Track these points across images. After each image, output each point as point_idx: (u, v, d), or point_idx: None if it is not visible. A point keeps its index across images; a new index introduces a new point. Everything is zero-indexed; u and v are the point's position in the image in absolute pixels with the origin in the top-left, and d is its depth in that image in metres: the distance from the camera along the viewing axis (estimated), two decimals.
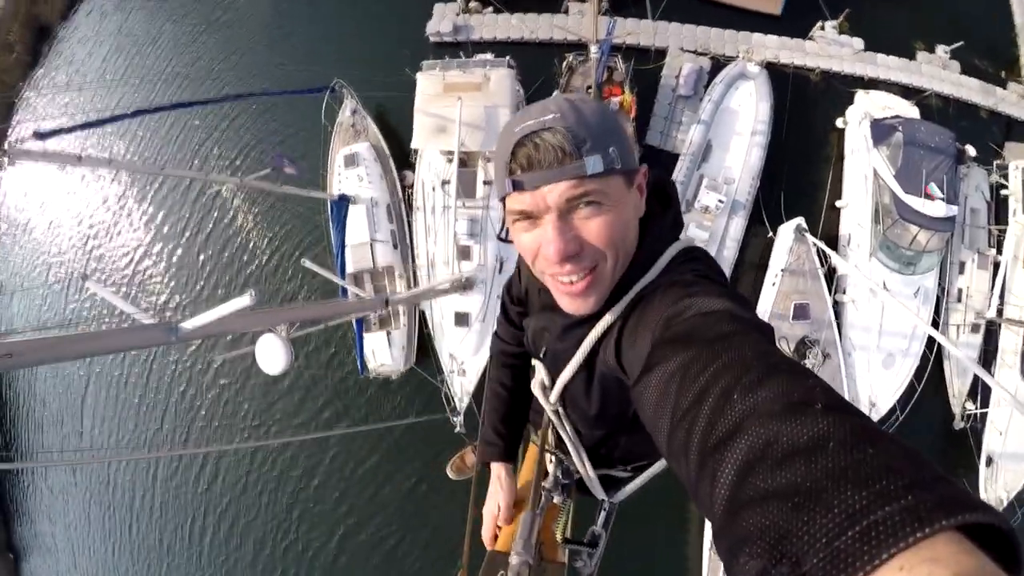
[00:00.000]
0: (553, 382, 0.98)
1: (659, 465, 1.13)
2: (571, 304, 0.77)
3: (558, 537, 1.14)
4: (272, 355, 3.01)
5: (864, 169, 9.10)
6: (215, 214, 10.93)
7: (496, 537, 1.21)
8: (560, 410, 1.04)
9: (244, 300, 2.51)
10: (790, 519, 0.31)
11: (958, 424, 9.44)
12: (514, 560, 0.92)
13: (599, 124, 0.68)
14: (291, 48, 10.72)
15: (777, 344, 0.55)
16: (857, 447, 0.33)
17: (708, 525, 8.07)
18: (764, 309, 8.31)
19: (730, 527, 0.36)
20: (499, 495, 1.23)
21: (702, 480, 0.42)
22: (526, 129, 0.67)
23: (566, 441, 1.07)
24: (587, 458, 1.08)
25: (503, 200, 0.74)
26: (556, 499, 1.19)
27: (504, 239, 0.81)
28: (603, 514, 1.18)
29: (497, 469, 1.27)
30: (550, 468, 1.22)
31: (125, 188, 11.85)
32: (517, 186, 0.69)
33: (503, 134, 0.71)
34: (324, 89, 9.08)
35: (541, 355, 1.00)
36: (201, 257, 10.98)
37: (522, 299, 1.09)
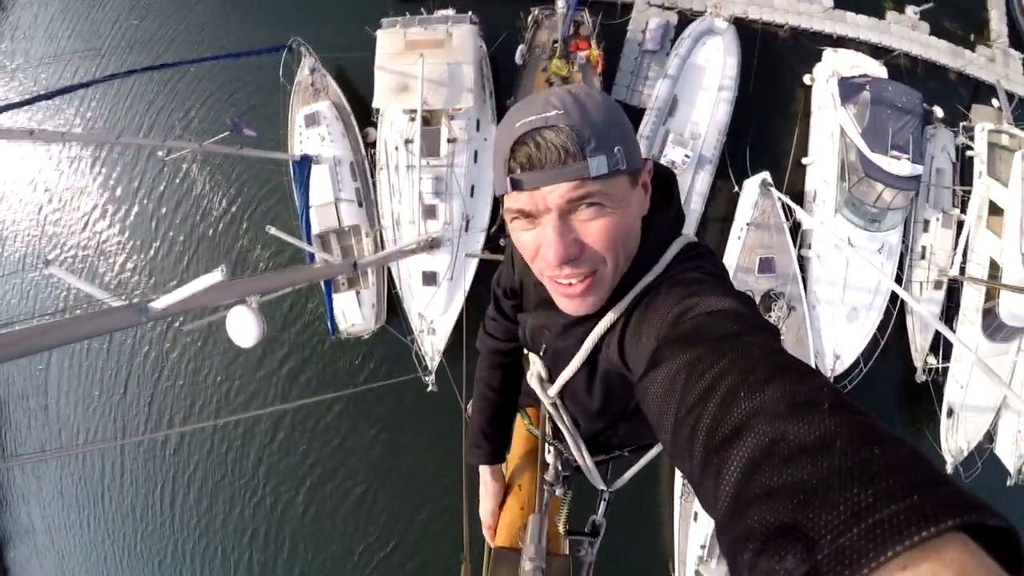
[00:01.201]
0: (551, 375, 0.97)
1: (657, 448, 1.12)
2: (569, 305, 0.75)
3: (560, 529, 1.13)
4: (244, 328, 2.92)
5: (831, 126, 9.13)
6: (175, 184, 10.62)
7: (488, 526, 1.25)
8: (558, 402, 1.02)
9: (215, 276, 2.43)
10: (795, 516, 0.31)
11: (920, 377, 9.68)
12: (528, 566, 0.90)
13: (604, 121, 0.65)
14: (246, 6, 10.33)
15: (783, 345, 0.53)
16: (863, 446, 0.33)
17: (678, 481, 8.28)
18: (730, 263, 8.37)
19: (734, 524, 0.36)
20: (485, 501, 1.25)
21: (706, 477, 0.42)
22: (527, 125, 0.64)
23: (564, 433, 1.05)
24: (586, 448, 1.07)
25: (501, 198, 0.71)
26: (558, 492, 1.18)
27: (492, 237, 0.75)
28: (603, 504, 1.18)
29: (484, 473, 1.28)
30: (549, 460, 1.19)
31: (79, 164, 11.43)
32: (516, 185, 0.66)
33: (502, 128, 0.68)
34: (281, 48, 8.80)
35: (541, 352, 0.98)
36: (163, 230, 10.69)
37: (516, 291, 1.05)
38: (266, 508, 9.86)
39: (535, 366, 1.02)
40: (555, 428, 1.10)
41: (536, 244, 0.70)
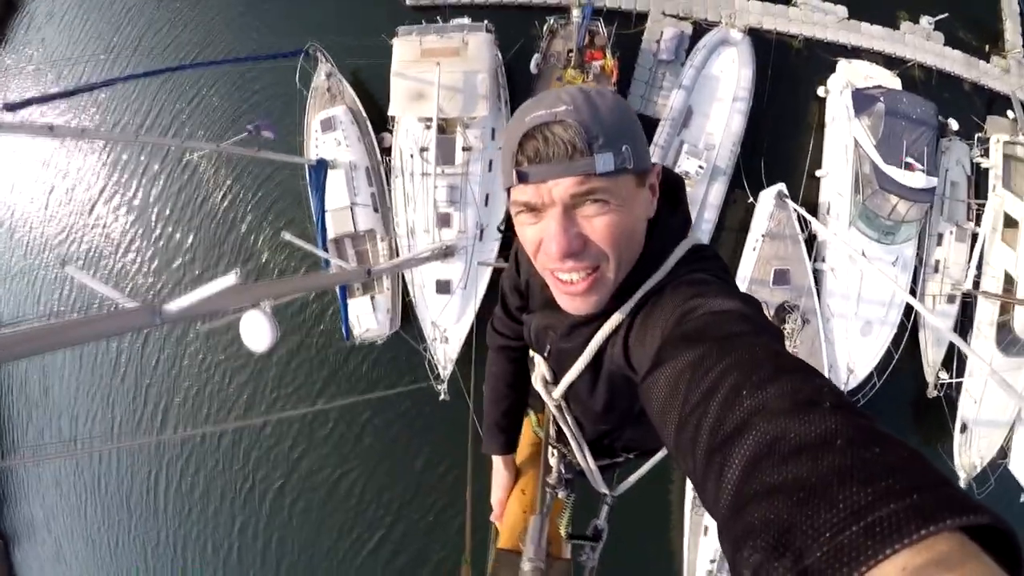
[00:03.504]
0: (556, 377, 0.98)
1: (663, 452, 1.12)
2: (571, 304, 0.75)
3: (562, 533, 1.14)
4: (257, 332, 2.92)
5: (845, 138, 9.10)
6: (192, 187, 10.70)
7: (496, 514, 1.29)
8: (563, 404, 1.03)
9: (229, 279, 2.45)
10: (794, 513, 0.31)
11: (931, 392, 9.59)
12: (527, 567, 0.91)
13: (614, 120, 0.66)
14: (265, 12, 10.42)
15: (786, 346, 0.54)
16: (864, 446, 0.34)
17: (688, 494, 8.23)
18: (744, 275, 8.34)
19: (734, 521, 0.36)
20: (496, 490, 1.29)
21: (708, 476, 0.42)
22: (536, 120, 0.65)
23: (568, 435, 1.05)
24: (589, 451, 1.07)
25: (508, 191, 0.72)
26: (560, 495, 1.19)
27: (503, 231, 0.80)
28: (605, 508, 1.18)
29: (497, 463, 1.31)
30: (552, 462, 1.20)
31: (99, 163, 11.53)
32: (522, 178, 0.67)
33: (512, 122, 0.69)
34: (298, 53, 8.87)
35: (545, 354, 0.98)
36: (179, 233, 10.76)
37: (522, 292, 1.06)
38: (268, 510, 9.87)
39: (539, 368, 1.02)
40: (559, 430, 1.11)
41: (539, 238, 0.70)
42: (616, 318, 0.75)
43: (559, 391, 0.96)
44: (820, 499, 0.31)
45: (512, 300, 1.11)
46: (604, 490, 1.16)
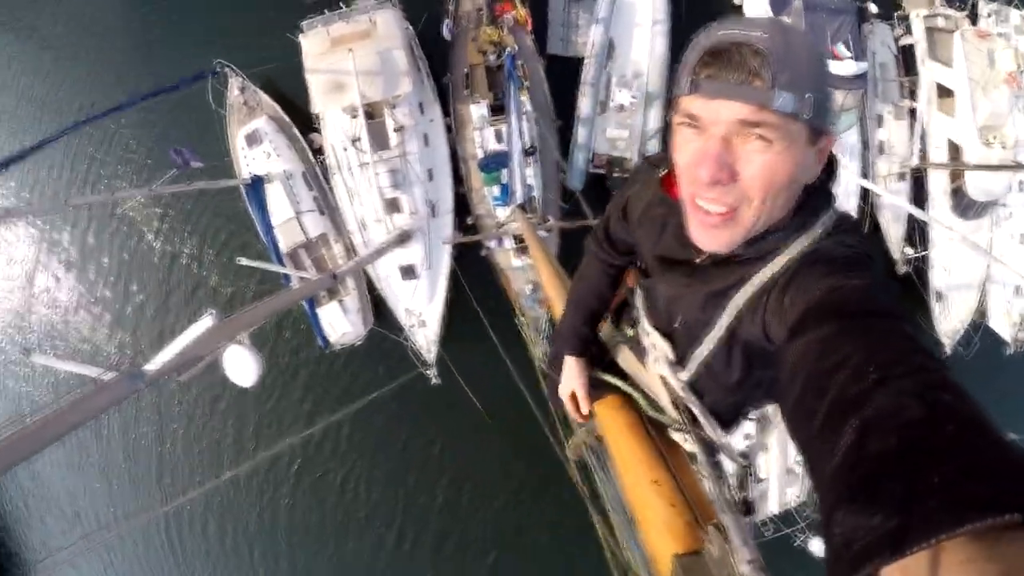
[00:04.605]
0: (680, 357, 0.97)
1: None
2: (701, 236, 0.74)
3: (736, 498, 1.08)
4: (242, 366, 2.86)
5: None
6: (134, 237, 10.28)
7: (579, 413, 1.33)
8: (686, 384, 1.02)
9: (206, 321, 2.35)
10: (891, 480, 0.35)
11: (900, 269, 9.86)
12: (746, 569, 0.86)
13: (806, 64, 0.63)
14: (160, 42, 9.95)
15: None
16: (970, 431, 0.37)
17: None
18: None
19: (835, 484, 0.39)
20: (574, 381, 1.32)
21: (823, 443, 0.44)
22: (728, 36, 0.63)
23: (697, 414, 1.03)
24: (719, 425, 1.06)
25: (676, 99, 0.70)
26: (707, 474, 1.12)
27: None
28: (747, 477, 1.13)
29: (570, 361, 1.33)
30: (689, 447, 1.14)
31: (32, 242, 10.99)
32: (696, 88, 0.65)
33: (704, 33, 0.67)
34: (205, 75, 8.52)
35: (676, 325, 0.96)
36: (133, 287, 10.35)
37: (628, 246, 1.07)
38: (285, 531, 9.79)
39: (660, 350, 1.00)
40: (690, 413, 1.07)
41: (694, 156, 0.68)
42: (756, 282, 0.75)
43: (693, 366, 0.94)
44: (914, 471, 0.34)
45: (617, 234, 1.10)
46: (738, 460, 1.12)
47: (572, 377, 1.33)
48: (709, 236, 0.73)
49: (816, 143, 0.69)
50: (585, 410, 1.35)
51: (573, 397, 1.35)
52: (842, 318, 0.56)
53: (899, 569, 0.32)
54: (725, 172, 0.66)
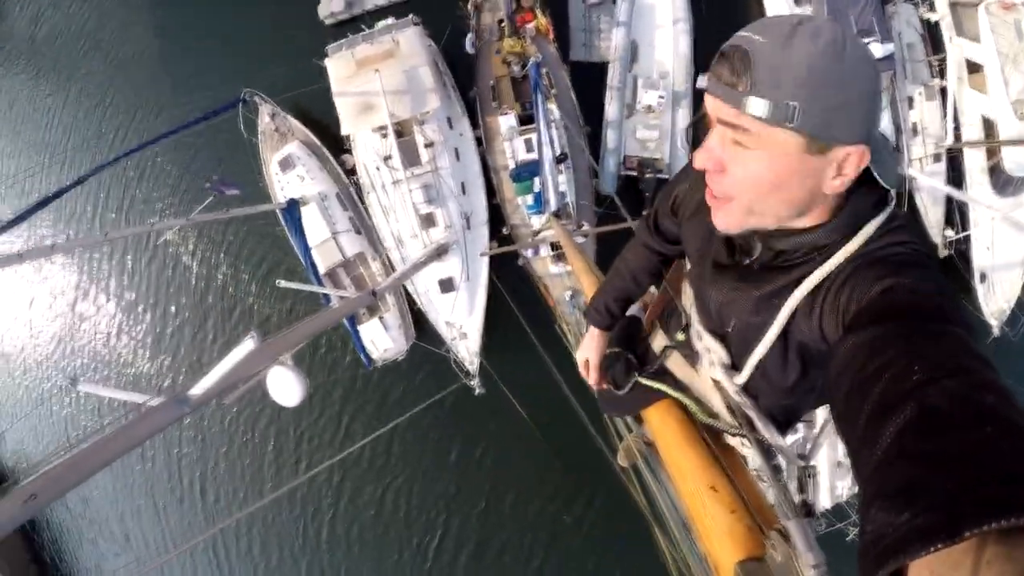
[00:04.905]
0: (734, 362, 0.99)
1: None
2: (713, 214, 0.78)
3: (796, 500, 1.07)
4: (286, 387, 2.86)
5: None
6: (173, 265, 10.58)
7: (592, 378, 1.44)
8: (741, 389, 1.03)
9: (248, 344, 2.40)
10: (923, 480, 0.35)
11: (942, 252, 9.62)
12: (812, 574, 0.86)
13: (801, 72, 0.60)
14: (191, 75, 10.26)
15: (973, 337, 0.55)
16: (1010, 438, 0.37)
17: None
18: None
19: (874, 482, 0.40)
20: (590, 351, 1.41)
21: (865, 443, 0.45)
22: (735, 39, 0.66)
23: (753, 417, 1.03)
24: (776, 430, 1.04)
25: None
26: (766, 477, 1.12)
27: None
28: (809, 480, 1.12)
29: (592, 331, 1.41)
30: (747, 452, 1.14)
31: (74, 272, 11.39)
32: (706, 84, 0.70)
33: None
34: (236, 103, 8.73)
35: (729, 329, 0.96)
36: (175, 314, 10.65)
37: (680, 212, 1.08)
38: (326, 544, 9.86)
39: (715, 354, 1.00)
40: (747, 418, 1.06)
41: (702, 144, 0.73)
42: (808, 285, 0.74)
43: (748, 370, 0.94)
44: (947, 473, 0.34)
45: (665, 225, 1.14)
46: (798, 462, 1.10)
47: (590, 347, 1.43)
48: (715, 214, 0.77)
49: (825, 153, 0.66)
50: (593, 380, 1.45)
51: (587, 364, 1.44)
52: (893, 319, 0.56)
53: (924, 565, 0.32)
54: (712, 164, 0.71)
